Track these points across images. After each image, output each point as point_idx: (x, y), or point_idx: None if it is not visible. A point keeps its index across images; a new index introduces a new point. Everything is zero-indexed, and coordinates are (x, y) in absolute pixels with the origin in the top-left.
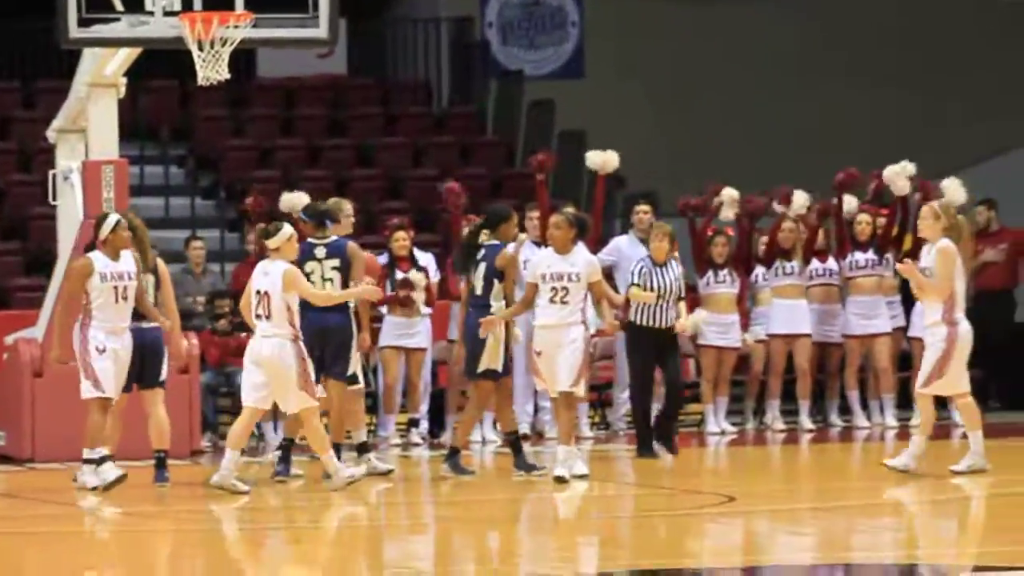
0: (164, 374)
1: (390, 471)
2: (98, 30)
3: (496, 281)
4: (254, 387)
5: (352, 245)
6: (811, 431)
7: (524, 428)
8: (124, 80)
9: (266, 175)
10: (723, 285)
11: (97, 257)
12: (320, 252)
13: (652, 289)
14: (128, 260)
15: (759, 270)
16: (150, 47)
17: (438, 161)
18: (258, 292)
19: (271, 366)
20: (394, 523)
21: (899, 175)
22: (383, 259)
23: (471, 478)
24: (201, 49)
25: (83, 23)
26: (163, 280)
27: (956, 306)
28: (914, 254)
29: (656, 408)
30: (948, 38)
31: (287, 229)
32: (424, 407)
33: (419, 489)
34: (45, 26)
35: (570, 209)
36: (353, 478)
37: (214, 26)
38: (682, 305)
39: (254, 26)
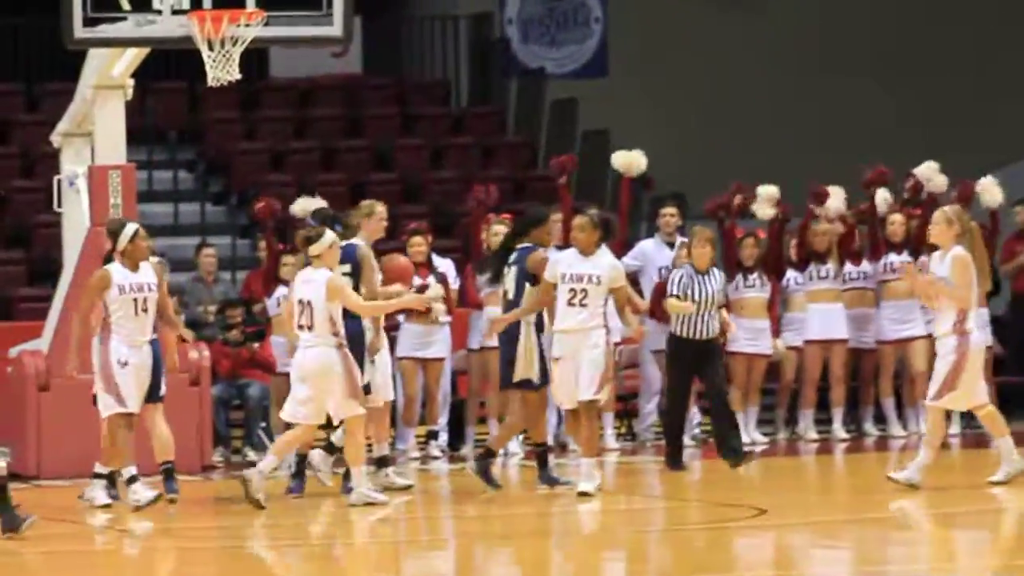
0: (164, 388)
1: (409, 487)
2: (104, 30)
3: (528, 284)
4: (299, 402)
5: (363, 248)
6: (845, 440)
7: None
8: (131, 82)
9: (279, 179)
10: (753, 289)
11: (115, 269)
12: None
13: (693, 299)
14: (147, 271)
15: (791, 274)
16: (158, 47)
17: (457, 163)
18: (300, 302)
19: (317, 377)
20: (413, 538)
21: (934, 171)
22: None
23: (493, 492)
24: (211, 49)
25: (89, 23)
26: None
27: (968, 316)
28: None
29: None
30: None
31: (329, 235)
32: (443, 419)
33: (439, 503)
34: (49, 26)
35: (594, 210)
36: (374, 500)
37: (224, 25)
38: (724, 312)
39: (266, 25)
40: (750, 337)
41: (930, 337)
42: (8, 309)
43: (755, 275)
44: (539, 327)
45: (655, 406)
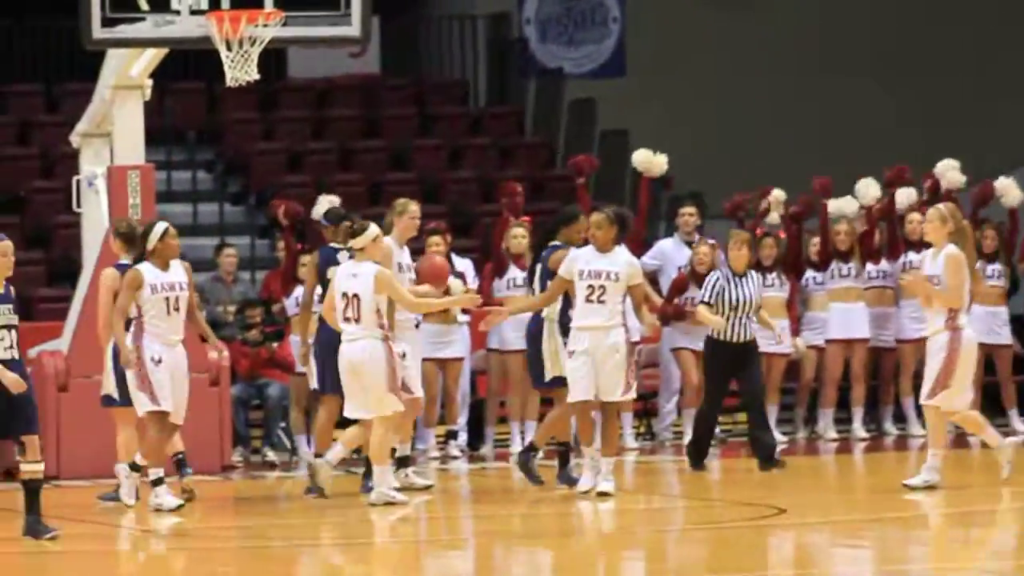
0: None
1: (429, 487)
2: (123, 30)
3: (551, 283)
4: (356, 398)
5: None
6: (865, 440)
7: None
8: (150, 82)
9: (297, 179)
10: (772, 289)
11: (146, 268)
12: (343, 257)
13: (730, 303)
14: (178, 270)
15: (810, 273)
16: (176, 47)
17: (475, 163)
18: (345, 295)
19: (364, 368)
20: (433, 538)
21: (951, 169)
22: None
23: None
24: (229, 49)
25: (107, 23)
26: None
27: (960, 312)
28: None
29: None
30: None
31: (373, 229)
32: (462, 419)
33: (458, 503)
34: (68, 26)
35: (612, 208)
36: (395, 499)
37: (242, 25)
38: (764, 314)
39: (284, 25)
40: (770, 336)
41: None
42: (28, 309)
43: (774, 274)
44: (564, 327)
45: (674, 405)
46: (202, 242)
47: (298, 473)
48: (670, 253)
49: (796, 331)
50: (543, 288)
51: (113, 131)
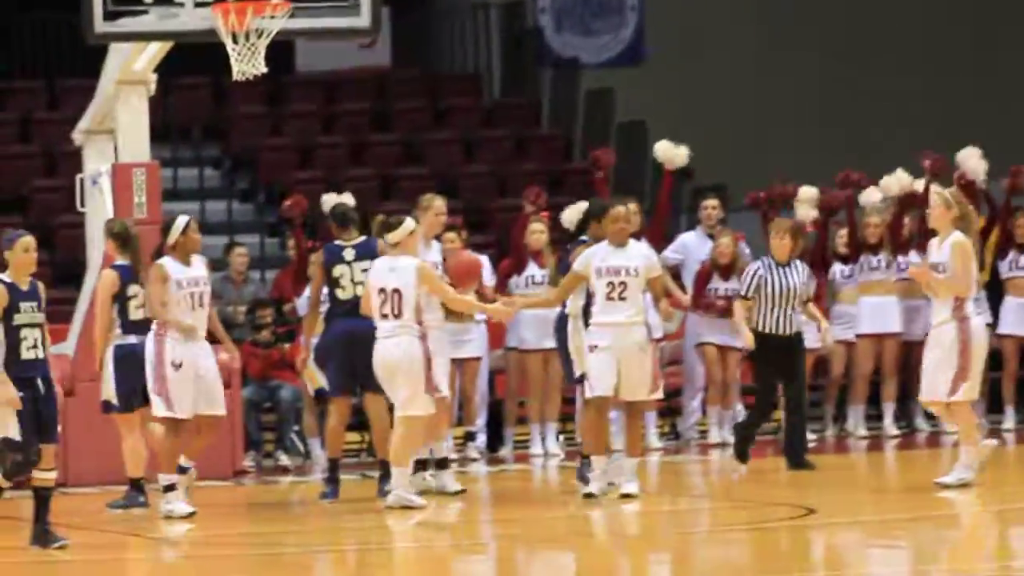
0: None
1: (462, 491)
2: (126, 24)
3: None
4: (402, 399)
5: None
6: (896, 437)
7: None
8: (154, 77)
9: (307, 175)
10: None
11: (169, 263)
12: (349, 254)
13: (772, 294)
14: (200, 265)
15: (838, 266)
16: (181, 41)
17: (490, 156)
18: (382, 290)
19: (400, 367)
20: (453, 542)
21: (972, 157)
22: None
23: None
24: (236, 42)
25: (110, 16)
26: None
27: (967, 301)
28: (1003, 249)
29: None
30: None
31: (409, 223)
32: (481, 420)
33: (478, 507)
34: (69, 20)
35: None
36: (412, 503)
37: (249, 17)
38: (812, 307)
39: (292, 16)
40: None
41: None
42: None
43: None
44: (588, 323)
45: (699, 403)
46: (211, 241)
47: (312, 477)
48: (692, 247)
49: None
50: None
51: (117, 128)
